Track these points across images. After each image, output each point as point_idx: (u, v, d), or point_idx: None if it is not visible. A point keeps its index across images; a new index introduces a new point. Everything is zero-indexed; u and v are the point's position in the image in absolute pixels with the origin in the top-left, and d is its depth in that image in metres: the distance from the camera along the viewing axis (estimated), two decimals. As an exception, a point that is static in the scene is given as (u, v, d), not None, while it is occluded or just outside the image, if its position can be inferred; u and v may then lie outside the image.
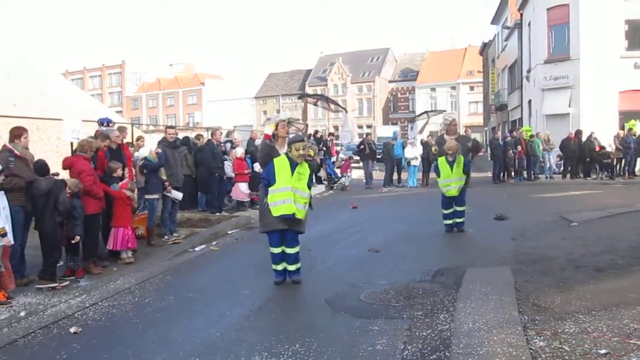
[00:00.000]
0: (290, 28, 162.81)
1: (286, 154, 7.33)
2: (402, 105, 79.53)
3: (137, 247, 9.53)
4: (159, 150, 10.71)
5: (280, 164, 7.25)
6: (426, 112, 25.37)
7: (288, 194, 7.10)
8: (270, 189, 7.25)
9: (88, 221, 8.32)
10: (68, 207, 7.73)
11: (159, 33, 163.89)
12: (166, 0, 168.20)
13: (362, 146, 22.35)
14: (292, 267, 7.49)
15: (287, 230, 7.32)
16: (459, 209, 11.03)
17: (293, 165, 7.20)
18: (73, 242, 7.99)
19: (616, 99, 24.35)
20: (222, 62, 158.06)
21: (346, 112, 20.85)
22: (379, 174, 24.13)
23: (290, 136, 7.85)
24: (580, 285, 6.60)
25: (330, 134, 27.44)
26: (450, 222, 11.05)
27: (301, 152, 7.18)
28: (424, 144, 21.51)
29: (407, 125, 26.18)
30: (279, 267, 7.50)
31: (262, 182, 7.53)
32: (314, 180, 10.57)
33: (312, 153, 7.66)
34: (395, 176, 22.75)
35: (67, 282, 7.77)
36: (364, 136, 21.73)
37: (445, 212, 11.07)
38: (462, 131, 18.27)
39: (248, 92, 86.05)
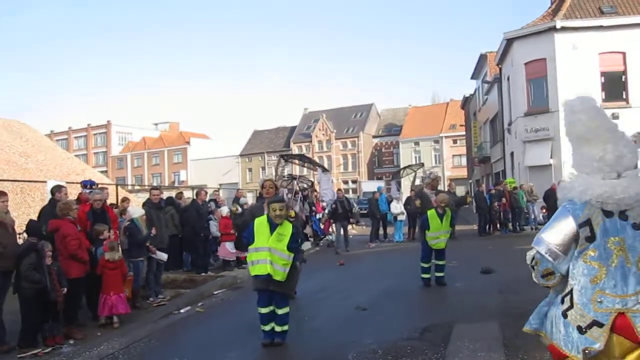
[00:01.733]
0: (275, 86, 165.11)
1: (267, 214, 7.32)
2: (386, 160, 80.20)
3: (130, 311, 9.34)
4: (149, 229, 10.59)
5: (260, 224, 7.24)
6: (409, 166, 25.59)
7: (264, 254, 7.04)
8: (249, 247, 7.29)
9: (71, 285, 8.20)
10: (28, 276, 7.53)
11: (144, 93, 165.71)
12: (151, 59, 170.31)
13: (334, 205, 19.49)
14: (278, 328, 7.33)
15: (274, 290, 7.23)
16: (439, 262, 11.12)
17: (273, 225, 7.16)
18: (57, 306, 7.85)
19: (597, 150, 24.71)
20: (207, 121, 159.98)
21: (325, 170, 20.59)
22: (365, 229, 24.06)
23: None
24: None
25: (316, 191, 27.49)
26: (428, 276, 11.11)
27: (278, 212, 7.13)
28: (407, 200, 21.64)
29: (391, 183, 26.25)
30: (267, 328, 7.34)
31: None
32: (302, 239, 10.55)
33: (292, 214, 7.66)
34: (381, 231, 22.70)
35: (49, 349, 7.61)
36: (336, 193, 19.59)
37: (425, 265, 11.15)
38: (446, 184, 18.46)
39: (233, 150, 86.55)
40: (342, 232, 19.28)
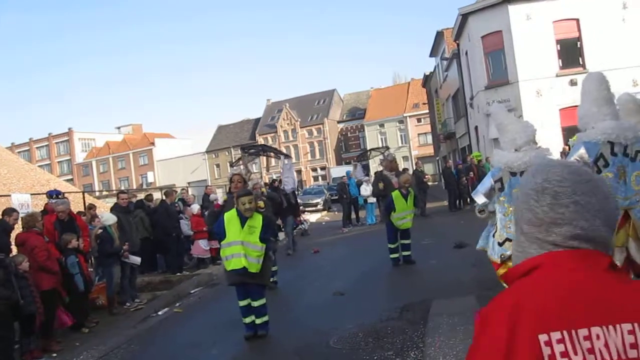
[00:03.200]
0: (235, 79, 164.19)
1: (236, 208, 7.31)
2: (353, 144, 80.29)
3: (67, 323, 8.88)
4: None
5: (230, 218, 7.25)
6: (376, 149, 25.73)
7: (237, 248, 7.07)
8: (222, 243, 7.33)
9: (44, 297, 8.07)
10: None
11: (103, 97, 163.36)
12: (108, 62, 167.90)
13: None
14: (258, 320, 7.35)
15: (249, 283, 7.23)
16: (405, 242, 11.32)
17: (243, 219, 7.17)
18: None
19: (557, 117, 25.01)
20: (170, 120, 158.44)
21: (287, 157, 20.14)
22: (337, 215, 24.09)
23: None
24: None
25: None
26: (396, 255, 11.29)
27: (247, 205, 7.14)
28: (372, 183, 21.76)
29: (356, 166, 26.25)
30: (247, 320, 7.36)
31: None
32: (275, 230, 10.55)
33: (261, 204, 7.65)
34: (353, 215, 22.76)
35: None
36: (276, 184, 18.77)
37: (392, 246, 11.31)
38: (413, 163, 18.57)
39: (199, 147, 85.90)
40: (289, 228, 15.83)
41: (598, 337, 1.24)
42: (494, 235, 5.68)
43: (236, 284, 7.30)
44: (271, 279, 9.46)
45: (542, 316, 1.26)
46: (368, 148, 45.21)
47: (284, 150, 79.94)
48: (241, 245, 7.05)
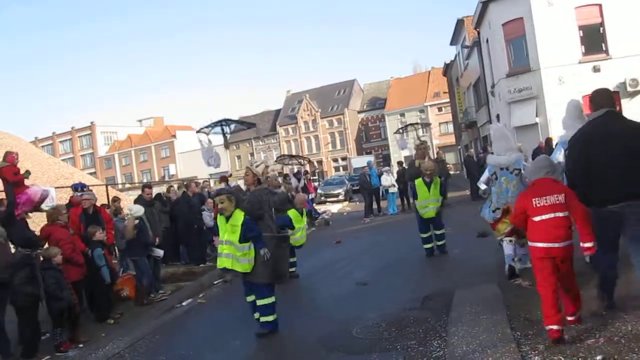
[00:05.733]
0: (255, 70, 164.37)
1: None
2: (374, 134, 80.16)
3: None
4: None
5: (219, 216, 7.29)
6: (412, 124, 25.74)
7: (223, 247, 7.10)
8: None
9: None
10: (22, 289, 7.45)
11: (125, 90, 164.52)
12: (129, 55, 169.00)
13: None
14: (261, 318, 7.23)
15: (246, 280, 7.30)
16: (437, 232, 11.10)
17: (227, 218, 7.13)
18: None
19: (581, 104, 24.74)
20: (191, 112, 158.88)
21: (254, 126, 19.62)
22: (358, 205, 24.04)
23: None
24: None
25: (306, 172, 27.46)
26: (430, 245, 11.08)
27: (220, 205, 7.14)
28: (402, 171, 21.70)
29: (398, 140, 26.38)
30: (257, 316, 7.35)
31: None
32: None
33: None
34: (375, 205, 22.75)
35: (49, 357, 7.59)
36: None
37: (424, 236, 11.11)
38: (434, 152, 18.48)
39: (220, 138, 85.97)
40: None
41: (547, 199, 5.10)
42: (489, 207, 8.24)
43: (243, 279, 7.35)
44: (291, 270, 9.44)
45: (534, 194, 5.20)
46: (389, 138, 44.80)
47: (305, 143, 79.99)
48: (225, 245, 7.06)
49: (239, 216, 7.07)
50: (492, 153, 8.70)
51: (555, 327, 4.94)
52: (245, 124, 19.33)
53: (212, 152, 18.42)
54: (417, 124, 28.85)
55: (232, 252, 6.99)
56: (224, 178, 14.06)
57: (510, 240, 7.83)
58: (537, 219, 5.11)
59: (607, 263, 5.41)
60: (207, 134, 18.92)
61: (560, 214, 5.05)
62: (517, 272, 7.85)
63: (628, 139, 5.10)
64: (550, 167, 5.40)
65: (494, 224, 8.20)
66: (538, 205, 5.09)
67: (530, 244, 5.29)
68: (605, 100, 5.46)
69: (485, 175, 8.52)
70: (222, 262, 7.09)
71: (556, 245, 5.06)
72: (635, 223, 5.01)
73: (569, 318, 5.32)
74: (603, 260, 5.42)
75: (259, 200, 7.34)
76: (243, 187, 9.18)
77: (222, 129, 21.00)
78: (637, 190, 4.98)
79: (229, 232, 7.01)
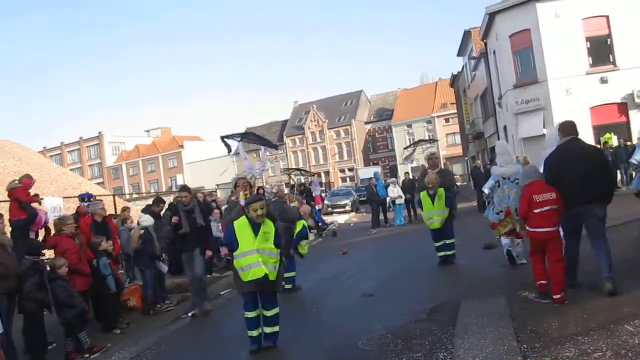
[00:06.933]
0: (263, 81, 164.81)
1: (246, 215, 7.02)
2: (381, 145, 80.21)
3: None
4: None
5: (241, 226, 6.90)
6: (422, 140, 25.71)
7: (254, 257, 6.70)
8: (235, 254, 6.89)
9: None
10: (32, 296, 7.51)
11: (133, 101, 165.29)
12: (137, 66, 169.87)
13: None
14: (268, 330, 7.05)
15: (263, 291, 6.96)
16: (448, 242, 11.19)
17: (256, 226, 6.84)
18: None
19: (588, 115, 24.66)
20: (199, 123, 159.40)
21: (273, 147, 19.69)
22: (365, 216, 24.05)
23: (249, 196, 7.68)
24: (575, 306, 6.57)
25: (302, 184, 27.49)
26: (442, 254, 11.20)
27: (259, 212, 6.80)
28: (408, 182, 21.73)
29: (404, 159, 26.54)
30: (255, 334, 7.04)
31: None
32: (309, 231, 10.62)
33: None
34: (382, 217, 22.72)
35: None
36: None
37: (437, 244, 11.26)
38: (442, 164, 18.46)
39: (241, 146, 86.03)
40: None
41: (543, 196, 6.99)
42: (493, 210, 9.62)
43: (251, 293, 6.96)
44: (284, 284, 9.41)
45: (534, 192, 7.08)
46: (397, 149, 44.83)
47: (312, 154, 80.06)
48: (257, 254, 6.71)
49: (270, 224, 6.95)
50: (497, 165, 10.08)
51: (543, 282, 7.23)
52: (268, 144, 19.24)
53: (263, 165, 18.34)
54: (423, 140, 28.75)
55: (265, 261, 6.70)
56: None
57: (507, 238, 9.67)
58: (537, 211, 7.04)
59: (572, 249, 7.37)
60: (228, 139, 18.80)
61: (555, 207, 7.03)
62: (514, 255, 9.79)
63: (587, 161, 7.05)
64: (537, 174, 7.47)
65: (494, 224, 9.59)
66: (538, 200, 7.03)
67: (529, 229, 7.27)
68: (571, 130, 7.30)
69: (490, 182, 10.00)
70: (257, 272, 6.67)
71: (549, 229, 7.07)
72: (591, 219, 6.99)
73: (556, 297, 6.85)
74: (569, 247, 7.38)
75: (281, 209, 7.38)
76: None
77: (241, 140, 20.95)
78: (593, 197, 6.92)
79: (261, 241, 6.76)
